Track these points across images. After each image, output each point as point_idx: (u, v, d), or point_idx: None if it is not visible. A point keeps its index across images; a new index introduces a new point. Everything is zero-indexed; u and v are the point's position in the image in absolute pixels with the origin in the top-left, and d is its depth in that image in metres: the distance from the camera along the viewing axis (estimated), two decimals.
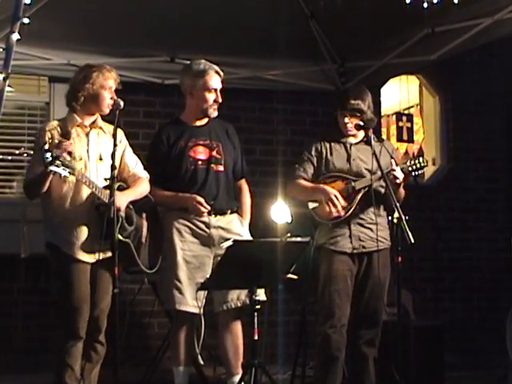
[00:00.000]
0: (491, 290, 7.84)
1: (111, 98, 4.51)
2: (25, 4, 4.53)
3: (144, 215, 4.75)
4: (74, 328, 4.37)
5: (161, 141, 4.94)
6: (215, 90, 4.92)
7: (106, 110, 4.54)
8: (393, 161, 4.82)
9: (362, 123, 4.85)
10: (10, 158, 6.73)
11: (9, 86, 4.53)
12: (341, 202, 4.81)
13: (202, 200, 4.79)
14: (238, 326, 4.89)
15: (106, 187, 4.35)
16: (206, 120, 5.00)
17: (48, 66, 6.35)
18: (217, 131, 5.01)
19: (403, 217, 4.49)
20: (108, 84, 4.52)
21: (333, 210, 4.80)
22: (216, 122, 5.06)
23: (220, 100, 4.93)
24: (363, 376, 4.90)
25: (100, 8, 5.75)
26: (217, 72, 4.94)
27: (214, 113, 4.95)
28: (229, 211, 4.95)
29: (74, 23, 5.88)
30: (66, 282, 4.40)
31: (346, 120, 4.90)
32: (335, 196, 4.80)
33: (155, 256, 4.76)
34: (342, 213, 4.81)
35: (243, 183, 5.18)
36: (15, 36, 4.49)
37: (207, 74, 4.92)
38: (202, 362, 5.08)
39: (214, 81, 4.92)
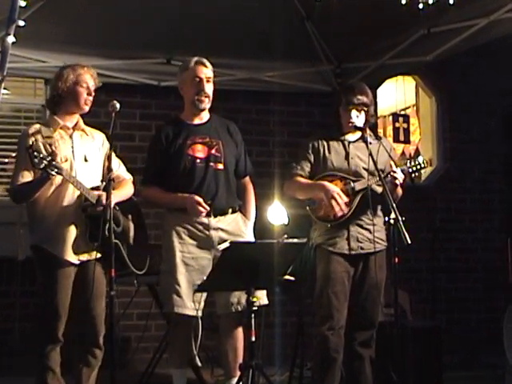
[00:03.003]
0: (487, 290, 7.85)
1: (88, 94, 4.50)
2: (20, 7, 4.53)
3: (130, 217, 4.75)
4: (52, 332, 4.36)
5: (159, 139, 4.92)
6: (200, 79, 4.88)
7: (85, 108, 4.53)
8: (392, 163, 4.82)
9: (358, 124, 4.86)
10: (6, 160, 6.72)
11: (5, 88, 4.54)
12: (343, 199, 4.80)
13: (200, 200, 4.76)
14: (239, 330, 4.88)
15: (93, 188, 4.38)
16: (206, 118, 4.98)
17: (44, 69, 6.35)
18: (217, 129, 4.98)
19: (400, 218, 4.48)
20: (83, 80, 4.48)
21: (336, 208, 4.80)
22: (217, 119, 5.04)
23: (205, 89, 4.87)
24: (360, 376, 4.90)
25: (96, 10, 5.77)
26: (199, 62, 4.91)
27: (201, 104, 4.89)
28: (229, 210, 4.91)
29: (69, 26, 5.89)
30: (48, 286, 4.38)
31: (353, 113, 4.89)
32: (338, 194, 4.79)
33: (142, 257, 4.76)
34: (346, 210, 4.81)
35: (247, 182, 5.15)
36: (11, 39, 4.50)
37: (190, 65, 4.92)
38: (199, 364, 5.07)
39: (197, 70, 4.89)
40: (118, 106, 4.28)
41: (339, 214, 4.81)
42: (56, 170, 4.11)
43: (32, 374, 4.46)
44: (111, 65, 6.48)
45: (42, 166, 4.04)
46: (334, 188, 4.82)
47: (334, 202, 4.78)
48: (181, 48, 6.43)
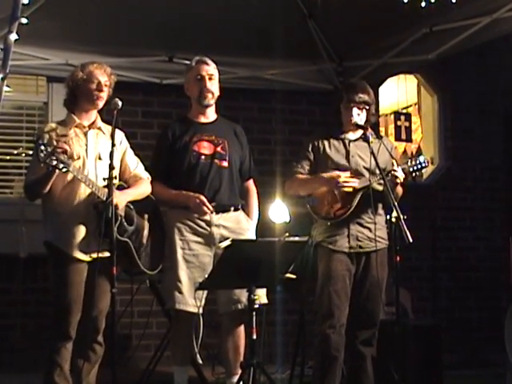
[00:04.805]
0: (489, 289, 7.85)
1: (99, 91, 4.50)
2: (23, 4, 4.52)
3: (146, 216, 4.73)
4: (64, 328, 4.36)
5: (166, 136, 4.96)
6: (202, 77, 4.92)
7: (99, 104, 4.53)
8: (394, 161, 4.83)
9: (359, 123, 4.86)
10: (8, 157, 6.74)
11: (7, 85, 4.53)
12: (347, 175, 4.82)
13: (204, 200, 4.79)
14: (240, 328, 4.89)
15: (105, 186, 4.36)
16: (212, 118, 5.03)
17: (46, 66, 6.35)
18: (223, 129, 5.02)
19: (401, 216, 4.48)
20: (93, 76, 4.49)
21: (349, 186, 4.81)
22: (223, 121, 5.10)
23: (207, 86, 4.91)
24: (361, 375, 4.91)
25: (98, 8, 5.77)
26: (200, 61, 4.97)
27: (204, 100, 4.93)
28: (232, 208, 4.92)
29: (72, 23, 5.89)
30: (60, 282, 4.39)
31: (354, 111, 4.88)
32: (338, 175, 4.80)
33: (157, 257, 4.76)
34: (356, 182, 4.81)
35: (250, 184, 5.17)
36: (13, 36, 4.49)
37: (192, 65, 4.99)
38: (200, 362, 5.08)
39: (199, 69, 4.94)
40: (119, 103, 4.28)
41: (353, 185, 4.81)
42: (62, 166, 4.10)
43: (33, 371, 4.47)
44: (113, 62, 6.41)
45: (47, 161, 4.04)
46: (333, 174, 4.82)
47: (345, 186, 4.79)
48: (183, 46, 6.44)
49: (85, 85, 4.49)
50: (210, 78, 4.94)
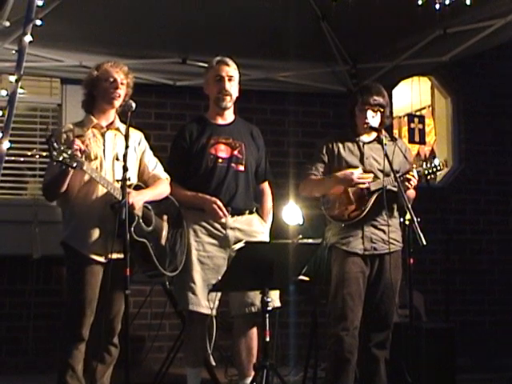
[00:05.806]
0: (502, 292, 7.82)
1: (115, 88, 4.50)
2: (37, 6, 4.54)
3: (165, 217, 4.71)
4: (77, 329, 4.36)
5: (183, 137, 4.94)
6: (221, 77, 4.91)
7: (115, 103, 4.53)
8: (413, 166, 4.82)
9: (373, 125, 4.85)
10: (22, 159, 6.74)
11: (21, 87, 4.53)
12: (360, 172, 4.82)
13: (221, 204, 4.78)
14: (253, 330, 4.88)
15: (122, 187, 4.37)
16: (230, 119, 5.01)
17: (60, 68, 6.37)
18: (240, 131, 5.01)
19: (415, 219, 4.47)
20: (109, 75, 4.51)
21: (364, 185, 4.82)
22: (241, 122, 5.08)
23: (226, 87, 4.89)
24: (375, 378, 4.90)
25: (112, 9, 5.77)
26: (221, 61, 4.95)
27: (222, 103, 4.92)
28: (247, 211, 4.92)
29: (86, 25, 5.91)
30: (75, 283, 4.39)
31: (369, 114, 4.88)
32: (351, 173, 4.80)
33: (177, 258, 4.75)
34: (370, 179, 4.83)
35: (266, 186, 5.16)
36: (28, 38, 4.49)
37: (212, 65, 4.98)
38: (213, 363, 5.08)
39: (218, 69, 4.93)
40: (133, 105, 4.29)
41: (367, 185, 4.82)
42: (75, 164, 4.10)
43: (46, 373, 4.47)
44: (126, 64, 6.37)
45: (60, 159, 4.04)
46: (347, 172, 4.82)
47: (360, 182, 4.80)
48: (196, 48, 6.45)
49: (100, 83, 4.50)
50: (230, 79, 4.92)
